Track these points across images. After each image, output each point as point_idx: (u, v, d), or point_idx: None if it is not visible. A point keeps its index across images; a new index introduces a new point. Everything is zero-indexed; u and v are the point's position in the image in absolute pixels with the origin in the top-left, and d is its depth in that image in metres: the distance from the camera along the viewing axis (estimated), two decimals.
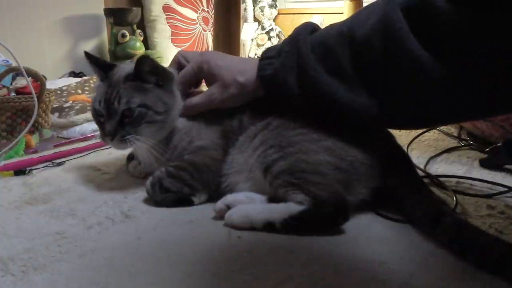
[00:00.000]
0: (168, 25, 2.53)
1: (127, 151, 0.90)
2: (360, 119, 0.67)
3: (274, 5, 2.99)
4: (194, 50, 2.60)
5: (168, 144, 0.78)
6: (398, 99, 0.63)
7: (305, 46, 0.68)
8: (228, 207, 0.68)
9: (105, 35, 2.50)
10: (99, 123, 0.77)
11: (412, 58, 0.58)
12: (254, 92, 0.75)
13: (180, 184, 0.73)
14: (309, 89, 0.68)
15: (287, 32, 2.94)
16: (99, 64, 0.80)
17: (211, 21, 2.64)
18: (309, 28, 0.71)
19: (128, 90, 0.74)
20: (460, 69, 0.56)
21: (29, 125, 1.08)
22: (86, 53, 0.81)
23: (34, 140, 1.11)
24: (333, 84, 0.66)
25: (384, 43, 0.60)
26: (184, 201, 0.74)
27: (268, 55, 0.73)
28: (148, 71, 0.75)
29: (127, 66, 0.79)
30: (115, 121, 0.74)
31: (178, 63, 0.83)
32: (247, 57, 2.78)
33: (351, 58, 0.64)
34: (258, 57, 0.77)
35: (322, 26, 0.72)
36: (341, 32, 0.65)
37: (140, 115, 0.74)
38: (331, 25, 0.70)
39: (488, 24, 0.52)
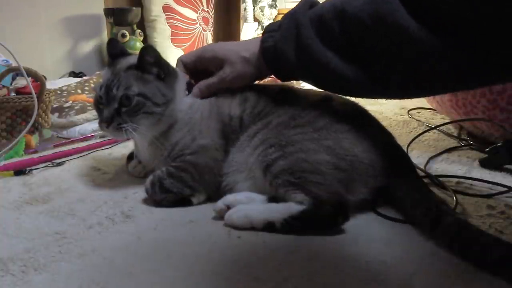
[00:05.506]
0: (168, 25, 2.53)
1: (127, 151, 0.90)
2: (353, 89, 0.71)
3: (274, 5, 2.99)
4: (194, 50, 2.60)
5: (168, 139, 0.78)
6: (388, 69, 0.65)
7: (303, 19, 0.72)
8: (228, 207, 0.68)
9: (105, 35, 2.50)
10: (98, 110, 0.78)
11: (401, 29, 0.60)
12: (259, 68, 0.78)
13: (181, 185, 0.73)
14: (305, 58, 0.72)
15: None
16: (112, 53, 0.82)
17: (211, 21, 2.63)
18: (308, 4, 0.75)
19: (128, 78, 0.75)
20: (450, 38, 0.57)
21: (29, 125, 1.08)
22: (111, 39, 0.85)
23: (34, 140, 1.11)
24: (328, 53, 0.69)
25: (372, 17, 0.63)
26: (183, 201, 0.74)
27: (270, 29, 0.78)
28: (150, 62, 0.76)
29: (133, 57, 0.80)
30: (113, 108, 0.74)
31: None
32: None
33: (342, 32, 0.68)
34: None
35: None
36: (335, 6, 0.69)
37: (138, 105, 0.74)
38: None
39: None
